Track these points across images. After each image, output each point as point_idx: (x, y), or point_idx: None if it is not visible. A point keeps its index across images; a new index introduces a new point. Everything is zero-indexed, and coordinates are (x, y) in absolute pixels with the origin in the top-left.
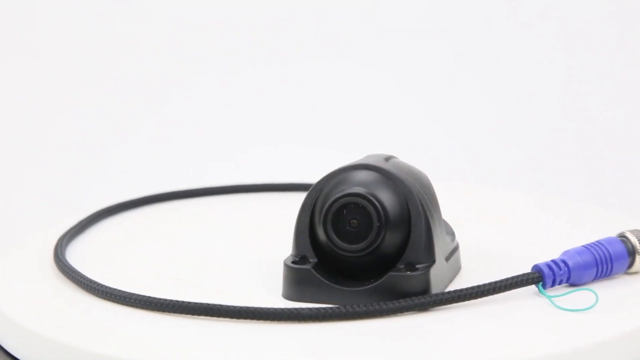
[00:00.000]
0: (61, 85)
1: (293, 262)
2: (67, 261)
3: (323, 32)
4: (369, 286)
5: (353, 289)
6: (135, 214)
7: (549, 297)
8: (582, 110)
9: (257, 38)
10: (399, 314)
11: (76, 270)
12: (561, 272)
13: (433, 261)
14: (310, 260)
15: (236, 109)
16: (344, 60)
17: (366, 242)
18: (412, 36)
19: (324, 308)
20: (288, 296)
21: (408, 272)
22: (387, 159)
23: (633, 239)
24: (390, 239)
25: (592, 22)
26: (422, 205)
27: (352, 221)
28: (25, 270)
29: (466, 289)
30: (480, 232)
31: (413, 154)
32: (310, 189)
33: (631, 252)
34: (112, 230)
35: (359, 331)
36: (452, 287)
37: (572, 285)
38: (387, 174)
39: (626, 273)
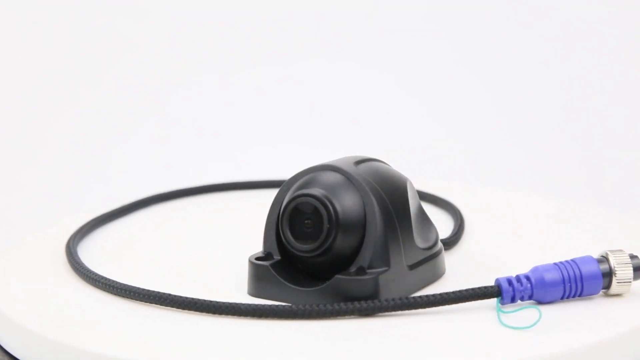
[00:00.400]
0: (61, 85)
1: (257, 259)
2: (78, 257)
3: (323, 32)
4: (318, 287)
5: (304, 289)
6: (143, 213)
7: (499, 311)
8: (582, 110)
9: (257, 38)
10: (339, 317)
11: (85, 265)
12: (522, 288)
13: (387, 267)
14: (275, 257)
15: (236, 109)
16: (344, 61)
17: (317, 242)
18: (412, 36)
19: (262, 305)
20: (250, 292)
21: (356, 276)
22: (360, 161)
23: (612, 260)
24: (343, 242)
25: (592, 22)
26: (380, 211)
27: (306, 221)
28: (25, 270)
29: (414, 298)
30: (479, 233)
31: (413, 154)
32: (281, 187)
33: (607, 274)
34: (122, 230)
35: (314, 331)
36: (427, 292)
37: (539, 302)
38: (349, 176)
39: (606, 295)
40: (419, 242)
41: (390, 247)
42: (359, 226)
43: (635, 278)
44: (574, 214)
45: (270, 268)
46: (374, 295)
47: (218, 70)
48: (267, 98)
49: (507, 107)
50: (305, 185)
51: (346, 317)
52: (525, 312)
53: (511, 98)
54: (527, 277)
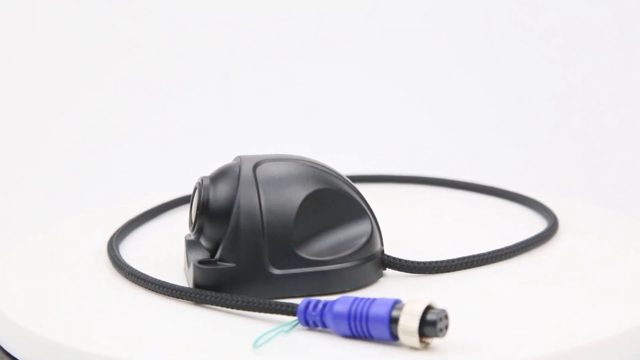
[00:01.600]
0: (61, 86)
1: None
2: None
3: (323, 33)
4: (188, 268)
5: (188, 268)
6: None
7: (280, 328)
8: (582, 110)
9: (257, 39)
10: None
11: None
12: (314, 313)
13: (235, 264)
14: None
15: (236, 110)
16: (344, 61)
17: (192, 225)
18: (413, 36)
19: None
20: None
21: (200, 265)
22: (268, 160)
23: (405, 307)
24: (210, 230)
25: (592, 22)
26: (245, 210)
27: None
28: (25, 271)
29: (214, 295)
30: (475, 236)
31: (413, 154)
32: None
33: (395, 321)
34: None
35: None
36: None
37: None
38: (239, 172)
39: (411, 348)
40: (305, 252)
41: (246, 247)
42: (226, 219)
43: (427, 334)
44: (573, 214)
45: (186, 244)
46: (216, 287)
47: (218, 71)
48: (267, 99)
49: (507, 107)
50: (216, 172)
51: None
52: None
53: (511, 97)
54: (325, 305)
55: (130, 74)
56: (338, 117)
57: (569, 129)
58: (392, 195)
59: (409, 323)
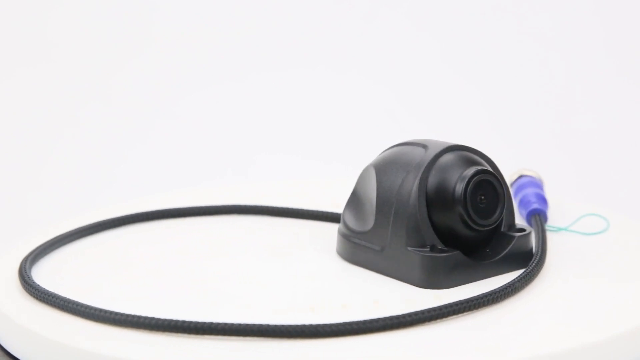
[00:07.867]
0: (63, 89)
1: (433, 251)
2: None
3: (323, 38)
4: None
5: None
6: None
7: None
8: (582, 110)
9: (258, 44)
10: None
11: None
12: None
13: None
14: (439, 247)
15: (237, 114)
16: (344, 65)
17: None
18: (407, 40)
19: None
20: (436, 284)
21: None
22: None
23: None
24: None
25: (591, 23)
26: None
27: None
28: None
29: None
30: None
31: None
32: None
33: None
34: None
35: None
36: None
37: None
38: None
39: None
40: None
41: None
42: None
43: None
44: (571, 214)
45: (461, 255)
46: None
47: (219, 77)
48: (268, 103)
49: (503, 108)
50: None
51: None
52: None
53: (508, 100)
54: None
55: (133, 80)
56: (337, 119)
57: (568, 129)
58: None
59: None
